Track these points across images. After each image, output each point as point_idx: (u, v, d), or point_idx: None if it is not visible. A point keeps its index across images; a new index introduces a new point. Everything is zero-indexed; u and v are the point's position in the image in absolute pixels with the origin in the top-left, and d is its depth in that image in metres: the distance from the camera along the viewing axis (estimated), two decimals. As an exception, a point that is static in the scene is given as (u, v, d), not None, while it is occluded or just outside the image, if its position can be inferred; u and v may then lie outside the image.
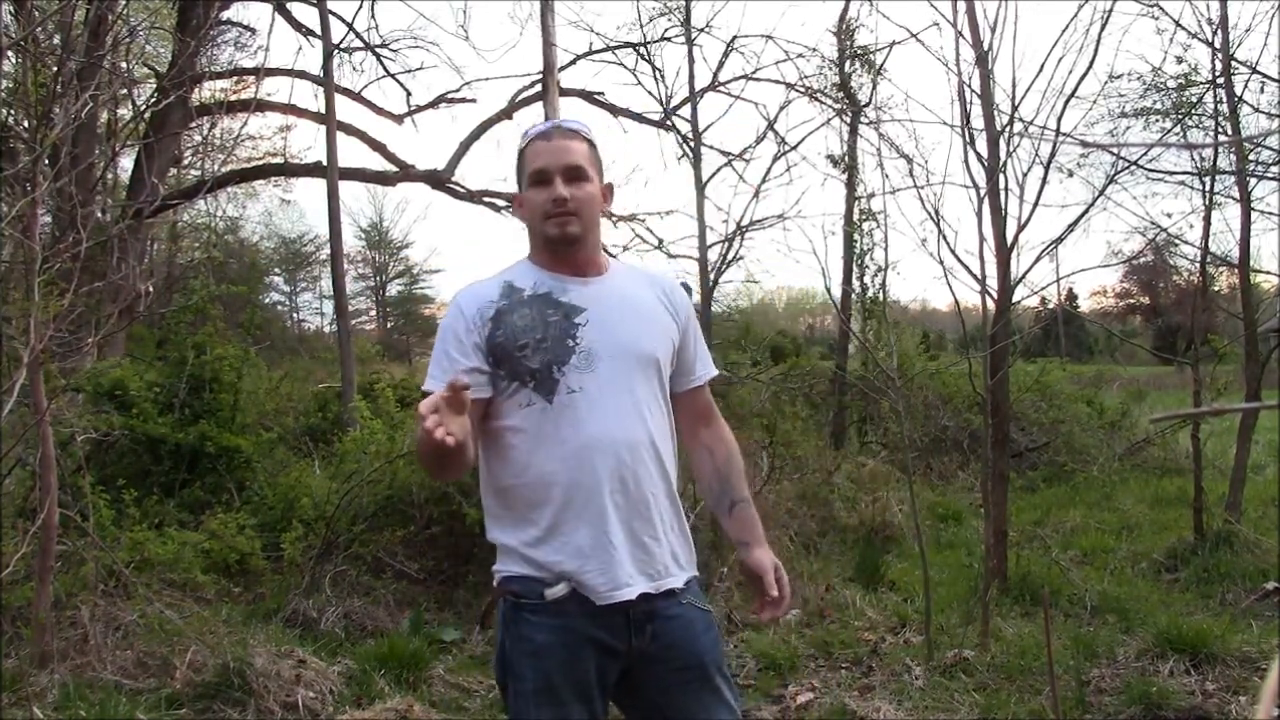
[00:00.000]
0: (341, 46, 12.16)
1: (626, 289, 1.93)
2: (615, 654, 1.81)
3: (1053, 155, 4.61)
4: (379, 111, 13.49)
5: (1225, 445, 8.18)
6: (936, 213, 4.49)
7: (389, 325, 35.66)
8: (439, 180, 12.92)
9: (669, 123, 7.95)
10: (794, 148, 7.28)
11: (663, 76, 7.02)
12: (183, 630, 4.06)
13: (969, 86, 4.63)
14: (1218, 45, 5.73)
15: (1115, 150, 5.26)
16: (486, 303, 1.86)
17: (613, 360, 1.83)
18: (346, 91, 12.86)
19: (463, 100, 13.16)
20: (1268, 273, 8.40)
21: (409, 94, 13.22)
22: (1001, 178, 4.54)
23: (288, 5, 12.27)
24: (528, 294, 1.86)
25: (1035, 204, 4.54)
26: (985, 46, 4.59)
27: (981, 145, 4.61)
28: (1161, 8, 5.76)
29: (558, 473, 1.79)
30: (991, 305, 4.77)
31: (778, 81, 8.43)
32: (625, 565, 1.80)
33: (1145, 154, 5.56)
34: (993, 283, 4.62)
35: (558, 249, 1.87)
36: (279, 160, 14.16)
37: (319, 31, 10.26)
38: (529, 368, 1.81)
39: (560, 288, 1.88)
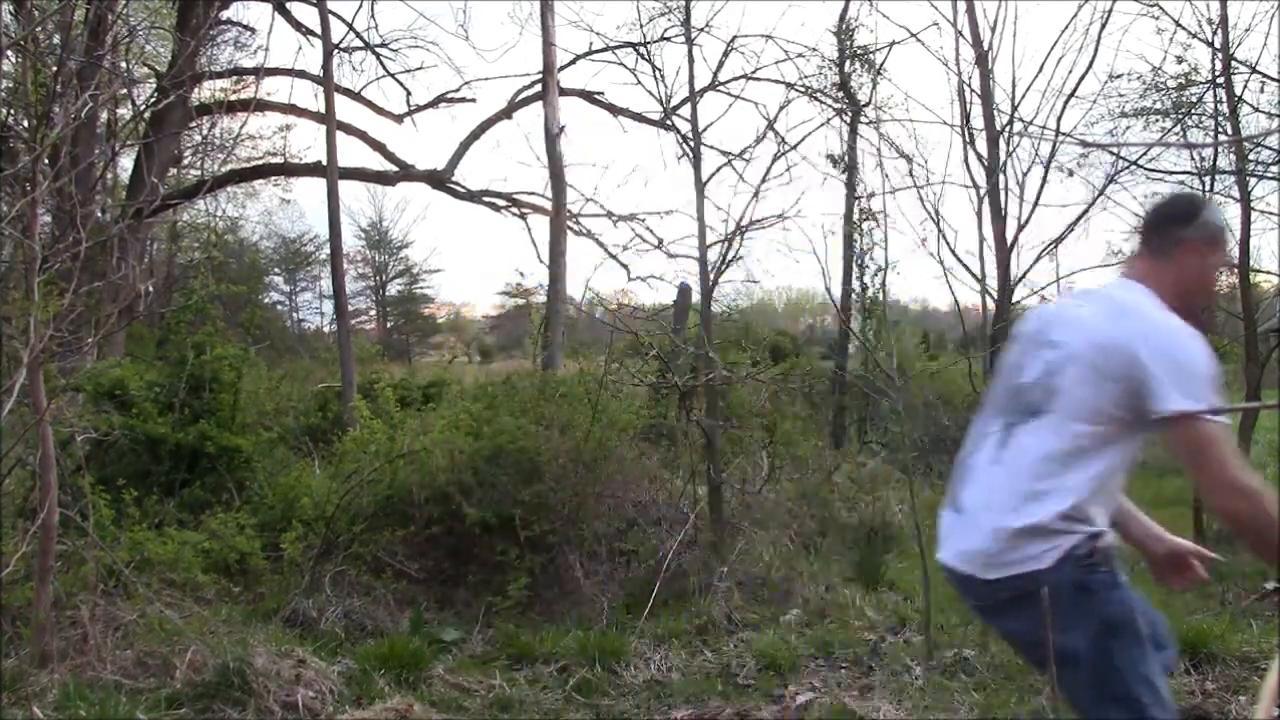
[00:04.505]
0: (341, 46, 12.19)
1: None
2: None
3: (1053, 155, 4.63)
4: (379, 111, 13.51)
5: (1225, 445, 8.16)
6: (936, 213, 4.50)
7: (389, 325, 35.63)
8: (439, 180, 12.94)
9: (669, 122, 7.93)
10: (794, 147, 7.24)
11: (663, 76, 6.99)
12: (183, 630, 4.05)
13: (969, 86, 4.65)
14: (1218, 45, 5.74)
15: (1115, 150, 5.27)
16: None
17: None
18: (346, 91, 12.87)
19: (462, 100, 13.19)
20: (1268, 273, 8.38)
21: (409, 94, 13.26)
22: (1001, 178, 4.54)
23: (288, 5, 12.29)
24: None
25: (1035, 204, 4.56)
26: (985, 46, 4.60)
27: (981, 145, 4.61)
28: (1161, 8, 5.78)
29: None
30: (991, 305, 4.78)
31: (778, 81, 8.41)
32: None
33: (1145, 154, 5.58)
34: (993, 283, 4.63)
35: (1186, 314, 2.12)
36: (279, 160, 14.18)
37: (319, 31, 10.25)
38: None
39: None
